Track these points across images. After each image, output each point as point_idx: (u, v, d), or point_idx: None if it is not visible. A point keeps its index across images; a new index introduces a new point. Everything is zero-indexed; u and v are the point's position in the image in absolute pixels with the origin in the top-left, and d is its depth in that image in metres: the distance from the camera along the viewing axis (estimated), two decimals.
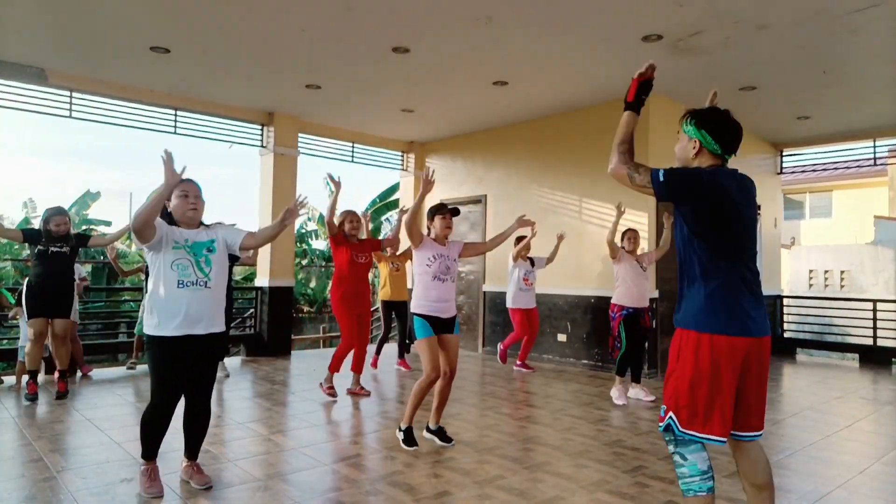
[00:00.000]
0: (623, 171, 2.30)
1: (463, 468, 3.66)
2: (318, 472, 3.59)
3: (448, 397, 4.15)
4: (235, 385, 6.23)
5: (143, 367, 6.85)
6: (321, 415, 5.02)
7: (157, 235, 3.02)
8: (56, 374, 5.49)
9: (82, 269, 6.47)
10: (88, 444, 4.04)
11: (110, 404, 5.27)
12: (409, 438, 4.00)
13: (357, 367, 5.67)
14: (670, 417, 2.25)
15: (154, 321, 3.08)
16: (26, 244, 5.41)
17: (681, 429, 2.22)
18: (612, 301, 5.72)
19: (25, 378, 5.39)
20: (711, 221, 2.25)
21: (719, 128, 2.36)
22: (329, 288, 5.77)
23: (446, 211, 4.17)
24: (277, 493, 3.23)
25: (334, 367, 5.52)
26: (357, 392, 5.67)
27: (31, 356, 5.30)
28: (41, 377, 6.09)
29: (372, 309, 7.67)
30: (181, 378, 3.16)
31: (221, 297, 3.26)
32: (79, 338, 6.62)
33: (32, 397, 5.21)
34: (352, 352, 5.58)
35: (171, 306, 3.06)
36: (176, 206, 3.20)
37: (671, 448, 2.29)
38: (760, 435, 2.33)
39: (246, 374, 6.86)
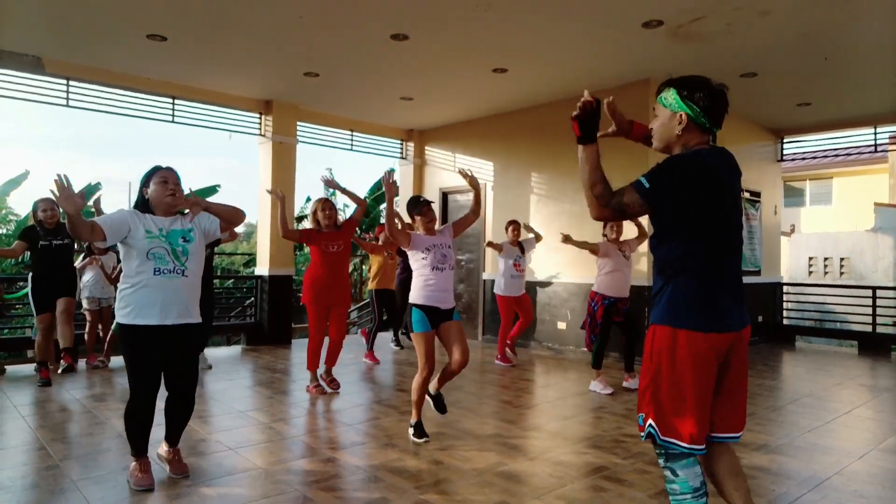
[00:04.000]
0: (608, 210, 2.08)
1: (463, 455, 3.68)
2: (318, 460, 3.60)
3: (454, 376, 4.02)
4: (236, 374, 6.25)
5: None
6: (322, 403, 5.03)
7: (114, 239, 3.01)
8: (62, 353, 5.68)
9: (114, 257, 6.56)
10: (90, 433, 4.06)
11: (111, 393, 5.29)
12: (420, 431, 3.96)
13: (330, 360, 5.48)
14: (650, 426, 2.05)
15: (128, 310, 3.04)
16: (29, 246, 5.50)
17: (662, 437, 2.03)
18: (593, 289, 5.61)
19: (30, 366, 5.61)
20: (694, 211, 2.03)
21: (707, 98, 2.07)
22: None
23: (423, 205, 4.05)
24: (279, 480, 3.25)
25: (311, 364, 5.35)
26: (327, 384, 5.46)
27: (41, 348, 5.51)
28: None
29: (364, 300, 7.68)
30: (157, 368, 3.11)
31: (197, 286, 3.23)
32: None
33: (45, 382, 5.40)
34: (326, 343, 5.41)
35: (147, 295, 3.03)
36: (154, 192, 3.16)
37: (661, 462, 2.09)
38: (740, 436, 2.14)
39: (246, 363, 6.88)
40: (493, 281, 8.59)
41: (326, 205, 5.32)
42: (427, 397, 4.07)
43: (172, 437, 3.33)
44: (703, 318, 2.02)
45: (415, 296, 3.92)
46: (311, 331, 5.32)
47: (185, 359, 3.19)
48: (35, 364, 5.94)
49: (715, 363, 2.05)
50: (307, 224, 5.45)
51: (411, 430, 3.99)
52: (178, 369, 3.17)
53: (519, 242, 7.03)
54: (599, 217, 2.13)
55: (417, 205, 4.08)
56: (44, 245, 5.41)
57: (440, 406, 4.08)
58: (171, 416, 3.28)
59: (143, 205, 3.20)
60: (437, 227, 4.10)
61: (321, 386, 5.35)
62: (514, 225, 7.02)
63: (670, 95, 2.12)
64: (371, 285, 7.31)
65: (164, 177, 3.19)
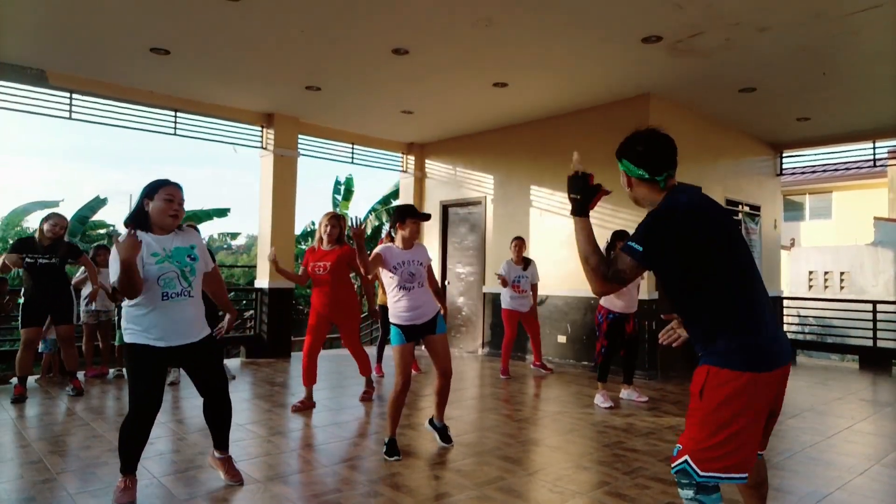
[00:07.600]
0: (608, 283, 2.04)
1: (462, 470, 3.66)
2: (317, 474, 3.59)
3: (448, 396, 4.16)
4: (235, 387, 6.22)
5: None
6: (321, 416, 5.01)
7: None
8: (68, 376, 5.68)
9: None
10: (88, 446, 4.04)
11: (109, 406, 5.27)
12: (391, 449, 3.88)
13: (364, 370, 5.62)
14: (686, 461, 1.99)
15: (135, 331, 2.99)
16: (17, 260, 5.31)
17: (701, 473, 1.97)
18: (601, 302, 5.63)
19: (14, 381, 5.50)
20: (701, 255, 2.00)
21: (649, 153, 2.16)
22: None
23: (414, 217, 3.95)
24: (277, 494, 3.23)
25: (306, 378, 5.25)
26: (368, 392, 5.69)
27: (21, 363, 5.37)
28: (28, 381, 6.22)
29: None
30: (160, 388, 3.07)
31: (201, 303, 3.22)
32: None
33: (18, 398, 5.25)
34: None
35: (155, 318, 2.99)
36: (157, 209, 3.06)
37: (688, 493, 2.00)
38: (761, 454, 2.21)
39: (245, 376, 6.86)
40: (493, 294, 8.62)
41: (331, 221, 5.23)
42: (430, 427, 4.24)
43: (220, 441, 3.41)
44: (756, 357, 1.97)
45: (391, 314, 3.94)
46: (305, 342, 5.32)
47: (208, 367, 3.26)
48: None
49: (768, 399, 2.03)
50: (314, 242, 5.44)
51: (384, 449, 3.92)
52: (204, 377, 3.26)
53: (524, 259, 7.03)
54: (602, 291, 2.09)
55: (408, 213, 3.94)
56: (28, 262, 5.25)
57: (445, 437, 4.17)
58: (212, 420, 3.36)
59: (141, 218, 3.07)
60: (415, 242, 3.98)
61: (304, 402, 5.21)
62: (518, 242, 7.02)
63: (622, 165, 2.24)
64: (380, 299, 7.20)
65: (170, 194, 3.08)
